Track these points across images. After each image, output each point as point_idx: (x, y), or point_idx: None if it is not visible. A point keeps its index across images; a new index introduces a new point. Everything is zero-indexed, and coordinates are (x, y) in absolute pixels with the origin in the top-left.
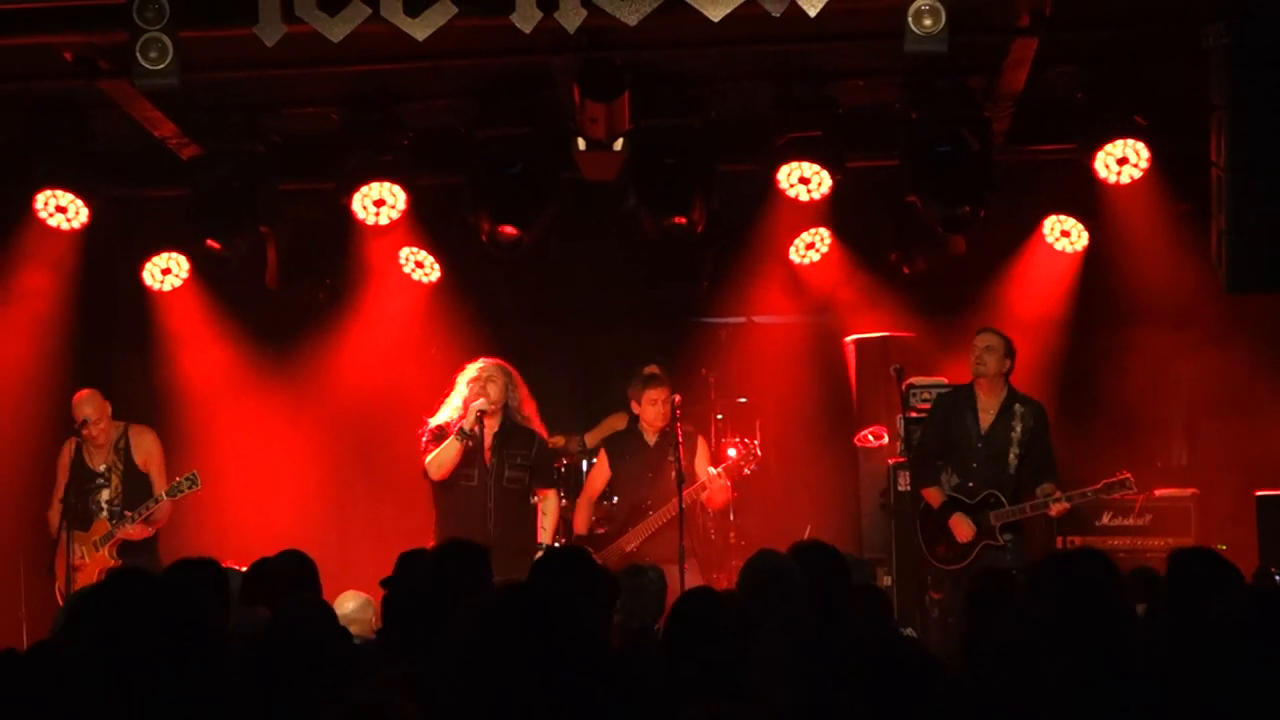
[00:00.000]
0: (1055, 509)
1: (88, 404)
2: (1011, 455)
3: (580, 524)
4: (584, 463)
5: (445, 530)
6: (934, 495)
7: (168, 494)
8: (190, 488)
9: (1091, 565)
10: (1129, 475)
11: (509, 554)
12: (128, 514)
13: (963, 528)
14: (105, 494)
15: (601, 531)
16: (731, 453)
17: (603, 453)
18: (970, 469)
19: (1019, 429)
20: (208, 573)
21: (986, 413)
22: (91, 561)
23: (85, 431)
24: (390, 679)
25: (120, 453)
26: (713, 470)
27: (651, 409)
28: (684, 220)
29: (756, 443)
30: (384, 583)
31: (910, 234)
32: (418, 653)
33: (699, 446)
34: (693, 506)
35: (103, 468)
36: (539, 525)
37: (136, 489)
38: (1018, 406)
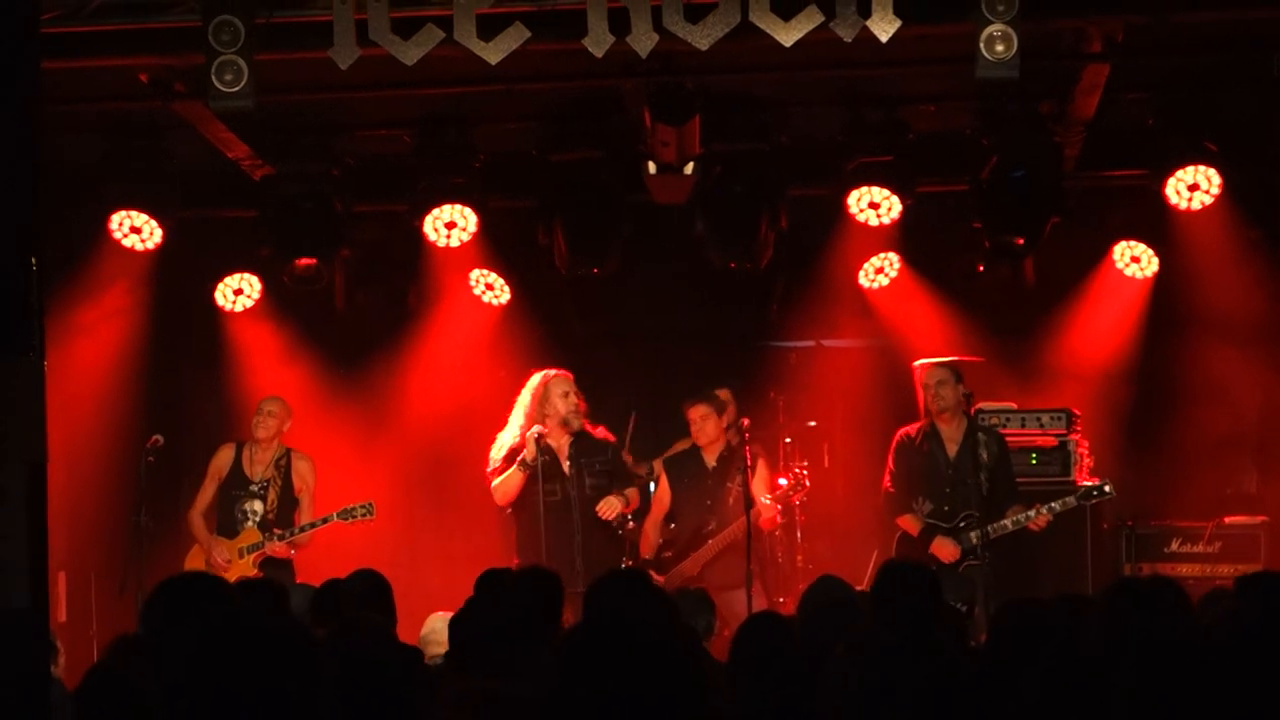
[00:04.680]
0: (1041, 520)
1: (276, 405)
2: (982, 477)
3: (647, 547)
4: (651, 485)
5: (530, 546)
6: (909, 523)
7: (339, 516)
8: (364, 515)
9: (1161, 593)
10: (1108, 479)
11: (597, 567)
12: (277, 531)
13: (946, 549)
14: (258, 505)
15: (667, 555)
16: (782, 482)
17: (663, 473)
18: (943, 494)
19: (985, 455)
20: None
21: (952, 442)
22: (233, 569)
23: (260, 433)
24: (461, 699)
25: (281, 470)
26: (765, 499)
27: (693, 426)
28: (749, 265)
29: (805, 473)
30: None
31: (980, 258)
32: (490, 672)
33: (759, 469)
34: (755, 530)
35: (260, 479)
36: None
37: (287, 509)
38: (980, 435)
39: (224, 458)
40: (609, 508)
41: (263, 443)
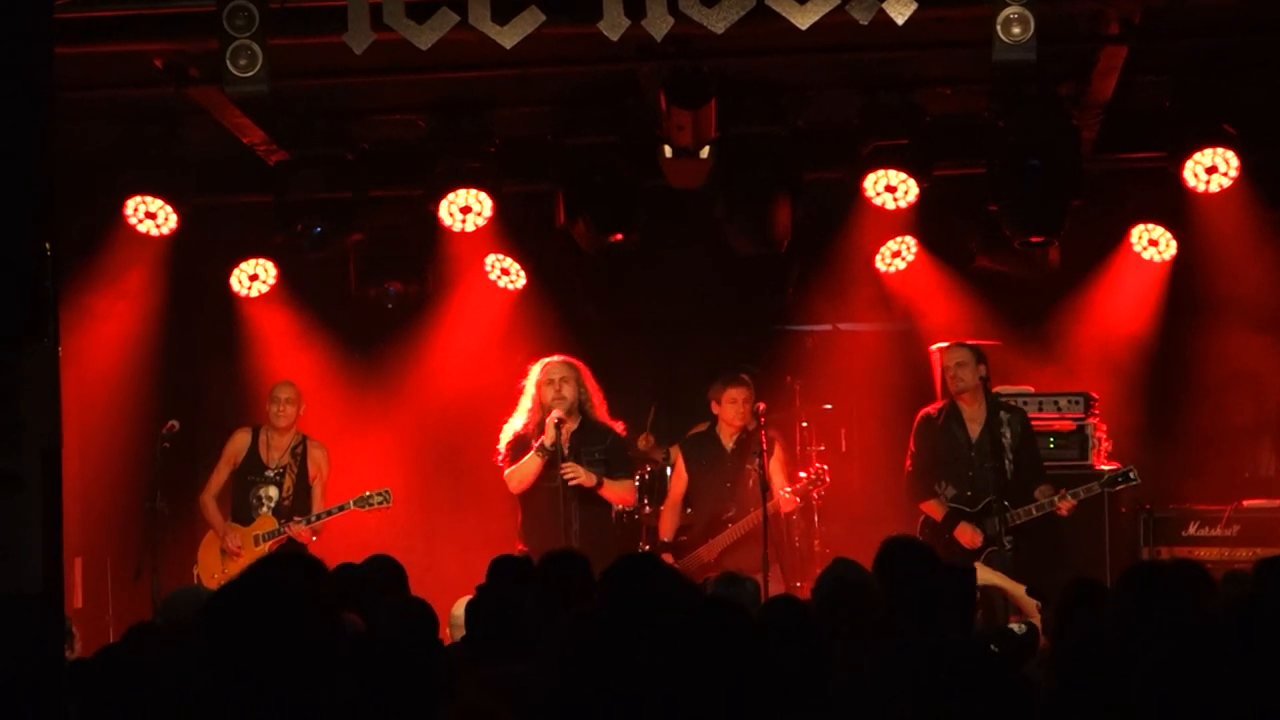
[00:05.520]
0: (1064, 506)
1: (292, 391)
2: (1006, 461)
3: (666, 530)
4: (667, 469)
5: (534, 531)
6: (934, 508)
7: (356, 504)
8: (381, 503)
9: (1186, 577)
10: (1133, 465)
11: (591, 551)
12: (298, 518)
13: (969, 535)
14: (273, 491)
15: (683, 539)
16: (803, 475)
17: (679, 456)
18: (966, 478)
19: (1008, 434)
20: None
21: (974, 423)
22: (248, 555)
23: (280, 422)
24: (486, 682)
25: (297, 458)
26: (785, 492)
27: (731, 408)
28: (768, 250)
29: (826, 468)
30: (480, 588)
31: (996, 242)
32: (511, 657)
33: (776, 454)
34: (774, 515)
35: (276, 465)
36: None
37: (302, 495)
38: (1002, 414)
39: (239, 442)
40: (572, 470)
41: (280, 430)
